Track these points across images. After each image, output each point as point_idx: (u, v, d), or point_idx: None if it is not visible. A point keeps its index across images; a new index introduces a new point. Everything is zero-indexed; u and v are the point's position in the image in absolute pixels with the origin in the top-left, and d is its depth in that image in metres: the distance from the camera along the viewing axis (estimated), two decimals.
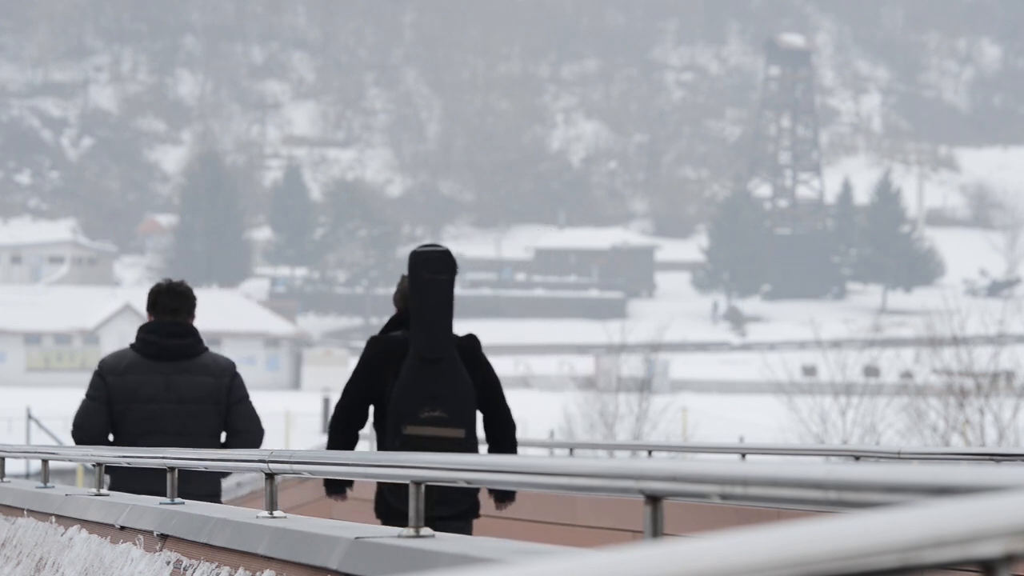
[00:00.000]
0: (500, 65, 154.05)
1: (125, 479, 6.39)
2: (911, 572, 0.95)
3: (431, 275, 5.82)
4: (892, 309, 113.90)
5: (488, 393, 6.02)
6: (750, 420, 46.46)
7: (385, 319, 6.40)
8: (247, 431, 6.56)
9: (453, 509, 5.81)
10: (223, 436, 6.65)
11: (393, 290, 6.30)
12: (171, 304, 6.53)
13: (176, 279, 7.05)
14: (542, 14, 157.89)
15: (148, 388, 6.45)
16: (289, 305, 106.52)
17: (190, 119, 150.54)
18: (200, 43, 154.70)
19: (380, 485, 5.86)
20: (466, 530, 5.81)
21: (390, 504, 5.78)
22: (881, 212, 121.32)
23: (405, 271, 6.11)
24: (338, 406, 6.11)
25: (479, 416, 6.07)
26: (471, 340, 6.01)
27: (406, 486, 5.54)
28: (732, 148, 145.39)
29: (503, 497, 6.25)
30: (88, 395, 6.56)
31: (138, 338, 6.58)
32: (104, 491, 6.12)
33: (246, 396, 6.63)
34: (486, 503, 6.24)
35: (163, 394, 6.45)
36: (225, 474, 6.80)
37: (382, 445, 6.01)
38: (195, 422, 6.47)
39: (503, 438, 6.09)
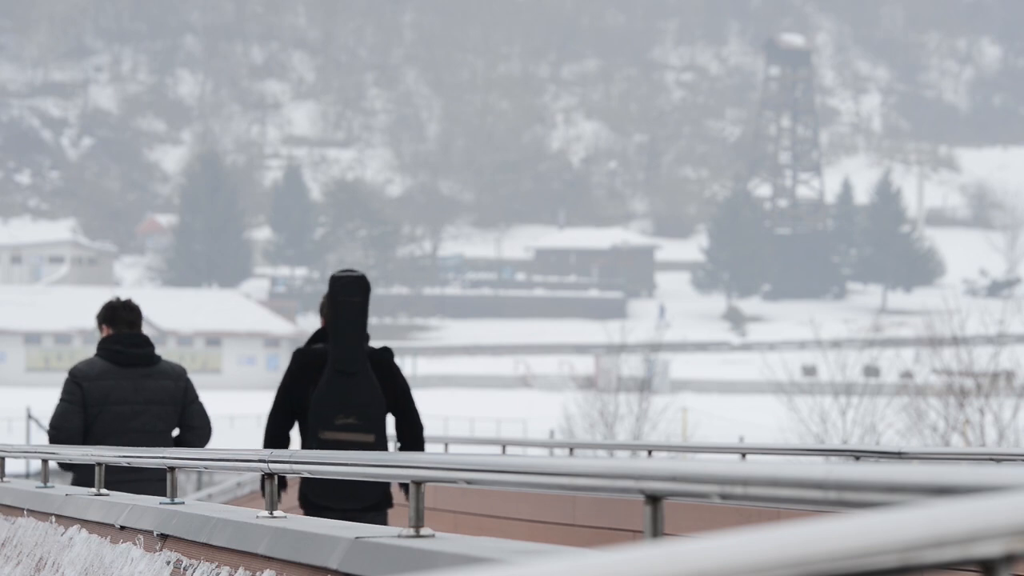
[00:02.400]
0: (500, 65, 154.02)
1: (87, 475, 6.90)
2: (911, 572, 0.93)
3: (347, 297, 6.62)
4: (892, 309, 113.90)
5: (399, 399, 6.75)
6: (750, 420, 46.47)
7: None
8: (200, 427, 7.41)
9: (364, 502, 6.49)
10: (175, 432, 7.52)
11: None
12: (128, 317, 7.41)
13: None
14: (542, 14, 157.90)
15: (119, 392, 7.25)
16: (289, 305, 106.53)
17: (190, 119, 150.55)
18: (200, 43, 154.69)
19: (302, 482, 6.61)
20: (381, 520, 6.40)
21: (310, 499, 6.52)
22: (881, 212, 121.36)
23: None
24: (270, 414, 6.87)
25: (392, 419, 6.85)
26: (386, 352, 6.82)
27: (327, 483, 6.32)
28: (732, 148, 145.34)
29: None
30: (64, 399, 7.30)
31: (104, 348, 7.40)
32: (104, 491, 6.13)
33: (198, 397, 7.48)
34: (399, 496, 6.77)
35: (132, 396, 7.27)
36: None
37: (305, 447, 6.67)
38: (159, 421, 7.30)
39: (412, 438, 6.77)
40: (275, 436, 6.83)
